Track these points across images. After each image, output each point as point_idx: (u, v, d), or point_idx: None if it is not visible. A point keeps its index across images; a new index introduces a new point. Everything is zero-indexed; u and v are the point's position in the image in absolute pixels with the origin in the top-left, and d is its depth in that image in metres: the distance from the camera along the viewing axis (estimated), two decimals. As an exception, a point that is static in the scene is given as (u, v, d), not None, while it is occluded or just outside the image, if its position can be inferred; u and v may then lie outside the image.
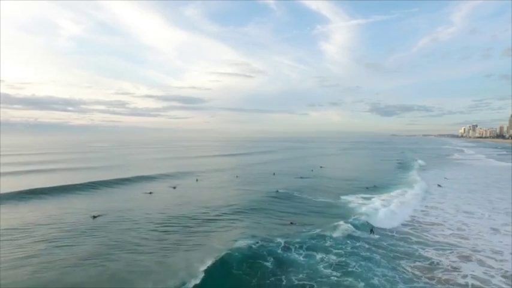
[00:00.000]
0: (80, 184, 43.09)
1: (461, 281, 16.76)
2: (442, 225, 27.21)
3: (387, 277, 16.51)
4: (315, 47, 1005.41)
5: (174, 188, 43.36)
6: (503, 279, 16.92)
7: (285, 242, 20.33)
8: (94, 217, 27.75)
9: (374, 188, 43.27)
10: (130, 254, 19.03)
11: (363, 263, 18.01)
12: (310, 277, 16.42)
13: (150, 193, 39.09)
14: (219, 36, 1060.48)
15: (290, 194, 38.73)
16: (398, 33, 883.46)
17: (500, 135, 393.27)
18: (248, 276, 16.46)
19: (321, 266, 17.75)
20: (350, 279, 16.16)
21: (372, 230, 24.76)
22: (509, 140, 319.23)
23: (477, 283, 16.52)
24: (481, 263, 19.08)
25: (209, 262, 16.87)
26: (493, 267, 18.41)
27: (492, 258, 19.81)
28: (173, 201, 34.53)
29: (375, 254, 19.53)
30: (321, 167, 71.80)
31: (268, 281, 16.07)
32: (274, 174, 58.31)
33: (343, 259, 18.53)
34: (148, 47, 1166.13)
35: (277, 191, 40.28)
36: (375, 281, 15.99)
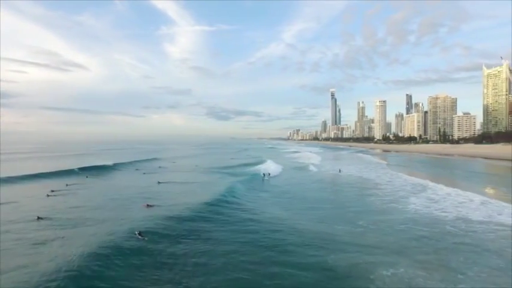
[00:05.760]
0: None
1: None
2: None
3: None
4: (158, 47, 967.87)
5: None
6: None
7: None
8: None
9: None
10: None
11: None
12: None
13: None
14: (45, 21, 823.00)
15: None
16: (238, 44, 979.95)
17: (316, 138, 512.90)
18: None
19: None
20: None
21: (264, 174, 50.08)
22: (322, 141, 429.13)
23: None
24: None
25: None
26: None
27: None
28: None
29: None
30: (173, 162, 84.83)
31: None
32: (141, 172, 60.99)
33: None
34: None
35: (158, 182, 45.21)
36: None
